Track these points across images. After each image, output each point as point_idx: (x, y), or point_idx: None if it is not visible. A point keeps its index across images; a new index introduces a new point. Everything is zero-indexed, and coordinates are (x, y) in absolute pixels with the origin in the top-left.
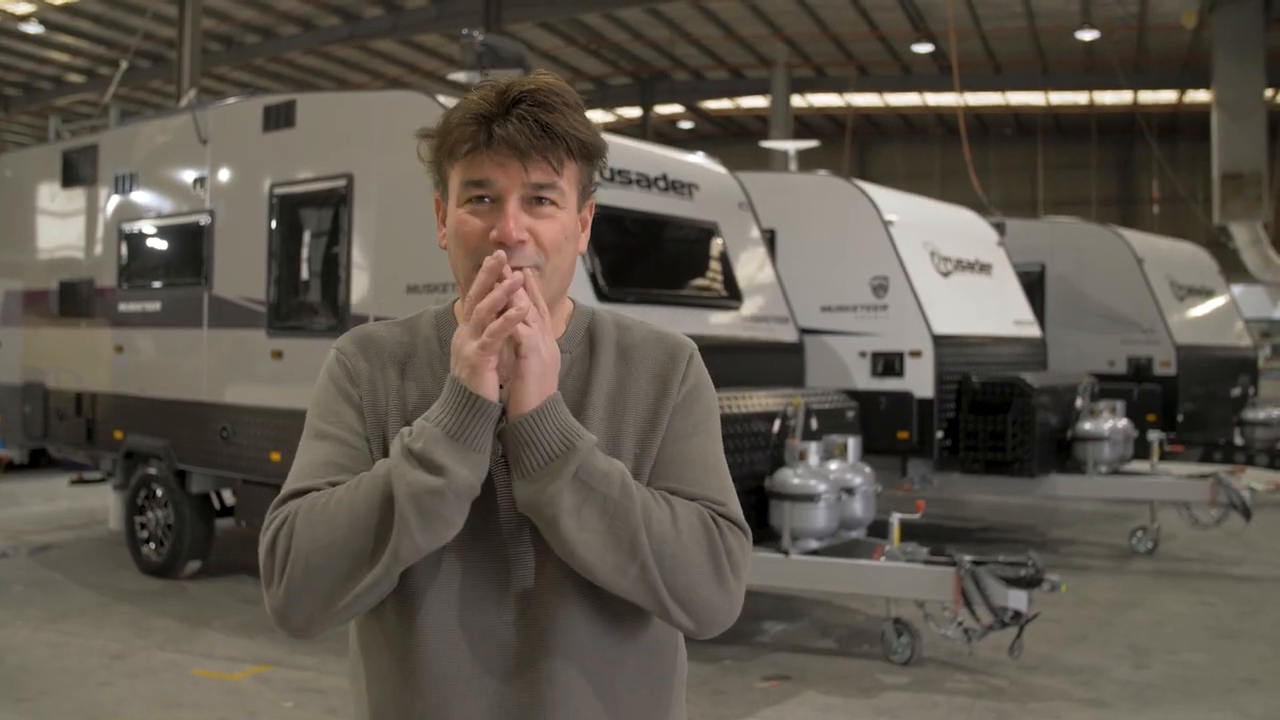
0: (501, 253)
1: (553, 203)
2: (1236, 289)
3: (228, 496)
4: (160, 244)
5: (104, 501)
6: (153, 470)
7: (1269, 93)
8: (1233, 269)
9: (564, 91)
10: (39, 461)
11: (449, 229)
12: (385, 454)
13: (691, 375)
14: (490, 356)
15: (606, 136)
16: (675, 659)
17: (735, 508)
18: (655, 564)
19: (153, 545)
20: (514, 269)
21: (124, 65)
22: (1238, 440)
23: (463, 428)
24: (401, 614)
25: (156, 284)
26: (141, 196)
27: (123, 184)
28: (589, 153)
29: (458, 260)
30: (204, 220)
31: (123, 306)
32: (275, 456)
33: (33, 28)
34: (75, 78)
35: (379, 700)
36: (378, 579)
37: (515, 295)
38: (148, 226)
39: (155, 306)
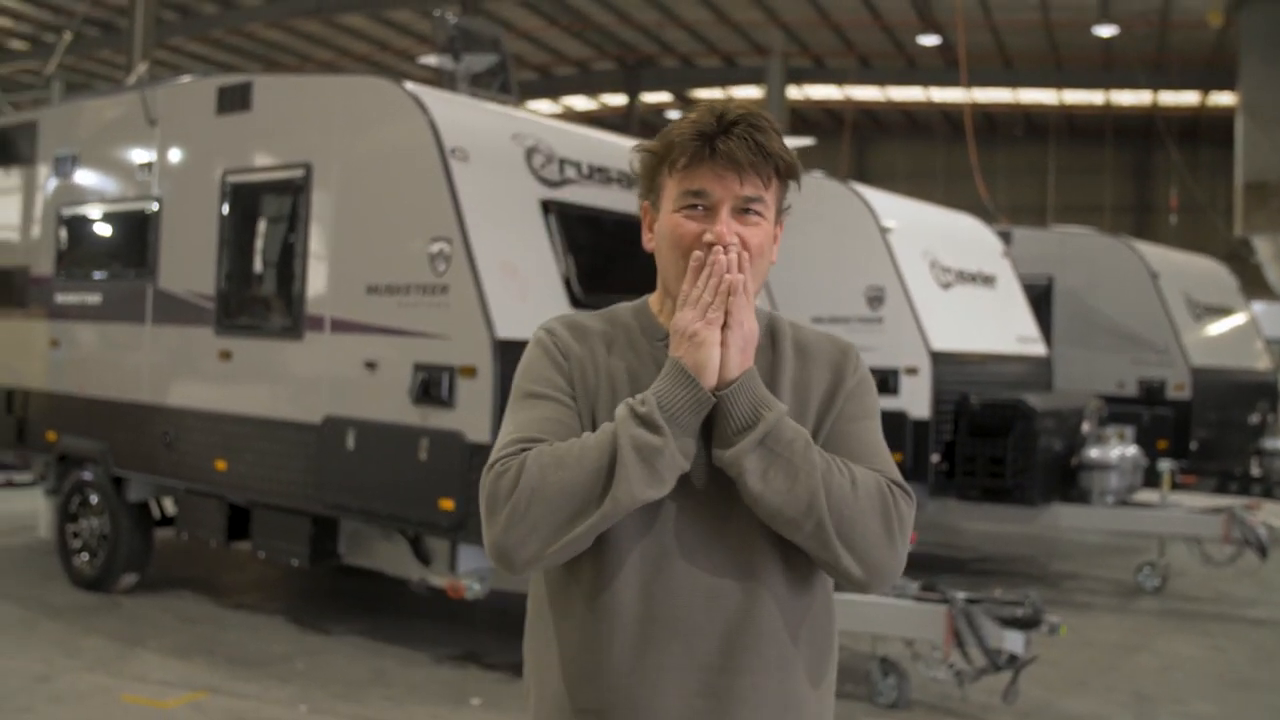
0: (719, 245)
1: (758, 213)
2: (1257, 306)
3: (168, 505)
4: (103, 231)
5: (33, 506)
6: (88, 475)
7: None
8: (1253, 284)
9: (770, 119)
10: None
11: (661, 232)
12: (594, 428)
13: (861, 368)
14: (714, 328)
15: (586, 129)
16: (833, 618)
17: (900, 478)
18: (832, 522)
19: (86, 556)
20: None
21: (67, 36)
22: (1255, 471)
23: (679, 410)
24: (601, 568)
25: (98, 274)
26: (84, 179)
27: (63, 165)
28: (790, 174)
29: (668, 259)
30: (150, 208)
31: (60, 297)
32: (221, 465)
33: None
34: (18, 44)
35: (574, 652)
36: (597, 522)
37: (730, 273)
38: (90, 212)
39: (95, 298)
